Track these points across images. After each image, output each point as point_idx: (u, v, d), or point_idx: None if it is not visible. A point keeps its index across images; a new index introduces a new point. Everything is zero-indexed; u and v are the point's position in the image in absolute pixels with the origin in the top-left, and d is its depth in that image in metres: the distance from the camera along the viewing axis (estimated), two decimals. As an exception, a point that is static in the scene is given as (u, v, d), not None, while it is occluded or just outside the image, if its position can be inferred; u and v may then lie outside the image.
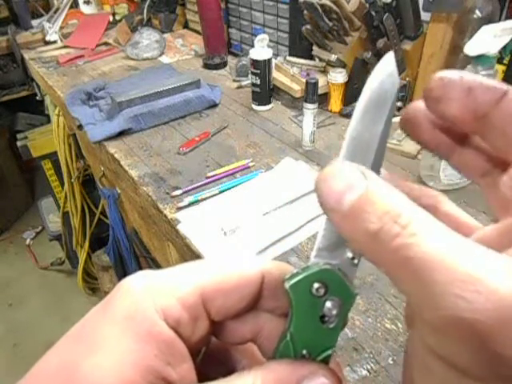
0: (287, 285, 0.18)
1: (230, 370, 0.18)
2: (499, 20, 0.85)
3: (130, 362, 0.16)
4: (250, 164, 0.86)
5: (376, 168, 0.18)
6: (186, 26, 1.73)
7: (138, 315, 0.17)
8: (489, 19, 0.83)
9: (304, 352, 0.19)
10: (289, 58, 1.10)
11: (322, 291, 0.18)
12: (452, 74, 0.17)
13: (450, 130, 0.19)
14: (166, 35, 1.61)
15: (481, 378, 0.13)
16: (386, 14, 0.87)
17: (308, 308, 0.18)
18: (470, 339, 0.13)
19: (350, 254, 0.19)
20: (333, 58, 1.01)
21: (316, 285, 0.18)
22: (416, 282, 0.14)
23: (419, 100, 0.19)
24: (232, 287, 0.19)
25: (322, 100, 1.02)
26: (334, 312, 0.18)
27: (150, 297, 0.18)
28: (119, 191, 1.15)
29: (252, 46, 1.05)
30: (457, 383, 0.14)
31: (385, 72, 0.18)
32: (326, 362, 0.19)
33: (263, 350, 0.21)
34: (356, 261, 0.19)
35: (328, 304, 0.18)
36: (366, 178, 0.15)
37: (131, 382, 0.16)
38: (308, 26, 1.00)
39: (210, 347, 0.22)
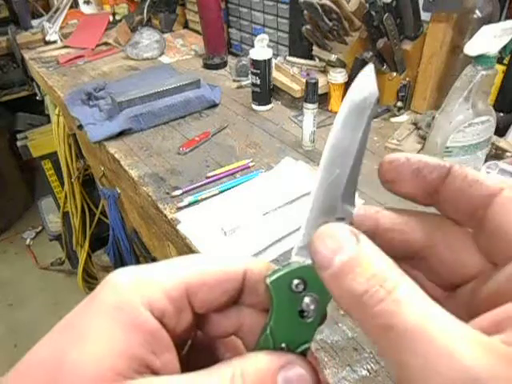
0: (268, 280, 0.19)
1: (215, 363, 0.19)
2: (499, 20, 0.85)
3: (116, 351, 0.17)
4: (250, 164, 0.86)
5: (355, 173, 0.20)
6: (186, 25, 1.73)
7: (124, 306, 0.18)
8: (489, 19, 0.83)
9: (283, 345, 0.19)
10: (289, 58, 1.10)
11: (301, 287, 0.19)
12: (400, 157, 0.19)
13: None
14: (166, 35, 1.61)
15: None
16: (386, 14, 0.87)
17: (287, 303, 0.19)
18: None
19: None
20: (333, 57, 1.01)
21: (295, 281, 0.19)
22: (396, 350, 0.14)
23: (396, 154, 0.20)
24: (215, 282, 0.20)
25: (322, 100, 1.02)
26: (312, 307, 0.19)
27: (137, 289, 0.18)
28: (119, 191, 1.15)
29: (252, 46, 1.05)
30: None
31: (364, 83, 0.19)
32: (303, 354, 0.20)
33: (245, 343, 0.22)
34: None
35: (306, 299, 0.19)
36: (359, 241, 0.16)
37: (117, 370, 0.16)
38: (308, 26, 1.00)
39: (196, 340, 0.23)
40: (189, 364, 0.19)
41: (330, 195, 0.20)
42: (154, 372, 0.18)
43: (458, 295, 0.19)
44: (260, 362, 0.18)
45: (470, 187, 0.18)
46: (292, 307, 0.19)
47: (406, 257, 0.20)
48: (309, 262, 0.19)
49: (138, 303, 0.18)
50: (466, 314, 0.17)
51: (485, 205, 0.18)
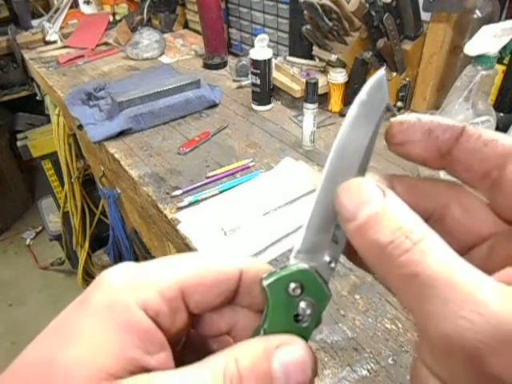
0: (265, 283, 0.19)
1: None
2: (499, 20, 0.85)
3: (108, 352, 0.17)
4: (250, 164, 0.86)
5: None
6: (186, 26, 1.73)
7: (117, 306, 0.17)
8: (489, 19, 0.83)
9: None
10: (289, 58, 1.10)
11: (297, 291, 0.19)
12: (410, 118, 0.19)
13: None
14: (166, 35, 1.61)
15: None
16: (386, 14, 0.87)
17: (283, 306, 0.19)
18: (469, 360, 0.13)
19: (327, 258, 0.20)
20: (333, 57, 1.01)
21: (292, 285, 0.19)
22: (420, 298, 0.14)
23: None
24: (211, 282, 0.20)
25: (322, 100, 1.02)
26: (308, 312, 0.19)
27: (130, 289, 0.18)
28: (119, 191, 1.15)
29: (252, 45, 1.05)
30: None
31: (375, 87, 0.19)
32: None
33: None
34: (333, 265, 0.20)
35: (302, 304, 0.19)
36: (386, 195, 0.16)
37: (109, 370, 0.16)
38: (308, 26, 1.00)
39: (190, 338, 0.23)
40: (183, 361, 0.18)
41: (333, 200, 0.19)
42: (149, 372, 0.17)
43: (473, 256, 0.19)
44: (253, 345, 0.18)
45: (485, 146, 0.18)
46: (287, 311, 0.19)
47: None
48: (307, 265, 0.19)
49: (131, 303, 0.18)
50: None
51: (500, 164, 0.17)
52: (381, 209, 0.16)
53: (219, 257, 0.21)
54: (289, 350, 0.18)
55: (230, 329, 0.21)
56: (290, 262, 0.20)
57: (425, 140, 0.18)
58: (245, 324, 0.21)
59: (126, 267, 0.19)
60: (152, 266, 0.20)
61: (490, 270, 0.16)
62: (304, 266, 0.19)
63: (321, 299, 0.19)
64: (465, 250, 0.20)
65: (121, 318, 0.17)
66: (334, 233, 0.20)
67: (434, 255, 0.14)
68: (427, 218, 0.20)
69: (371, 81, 0.19)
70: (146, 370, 0.17)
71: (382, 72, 0.19)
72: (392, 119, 0.19)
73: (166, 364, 0.18)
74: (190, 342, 0.23)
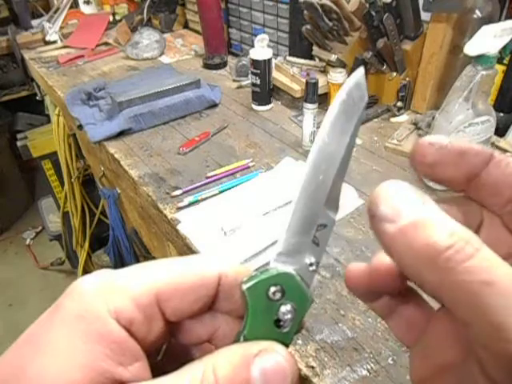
0: (244, 287, 0.18)
1: None
2: (499, 20, 0.85)
3: (78, 364, 0.16)
4: (250, 164, 0.86)
5: (340, 179, 0.19)
6: (186, 26, 1.73)
7: (88, 315, 0.17)
8: (489, 19, 0.83)
9: None
10: (289, 58, 1.10)
11: (278, 295, 0.18)
12: (442, 140, 0.18)
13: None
14: (166, 35, 1.61)
15: None
16: (386, 14, 0.87)
17: (263, 311, 0.19)
18: None
19: (308, 260, 0.19)
20: (333, 57, 1.01)
21: (273, 288, 0.18)
22: (490, 309, 0.13)
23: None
24: (188, 288, 0.19)
25: (322, 100, 1.02)
26: (289, 316, 0.19)
27: (102, 297, 0.17)
28: (119, 191, 1.15)
29: (252, 46, 1.05)
30: None
31: (354, 86, 0.19)
32: None
33: None
34: (314, 267, 0.19)
35: (283, 308, 0.19)
36: (425, 202, 0.15)
37: (77, 383, 0.16)
38: (308, 26, 0.99)
39: (171, 346, 0.22)
40: (164, 371, 0.18)
41: (313, 201, 0.19)
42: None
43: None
44: (232, 353, 0.17)
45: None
46: (268, 316, 0.19)
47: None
48: (288, 269, 0.19)
49: (102, 311, 0.17)
50: None
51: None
52: (427, 213, 0.15)
53: (197, 260, 0.20)
54: (268, 358, 0.17)
55: (211, 336, 0.21)
56: (270, 264, 0.19)
57: (457, 163, 0.18)
58: (226, 331, 0.21)
59: (101, 274, 0.19)
60: (126, 272, 0.19)
61: None
62: (284, 268, 0.19)
63: (302, 303, 0.19)
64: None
65: (91, 327, 0.17)
66: (315, 234, 0.19)
67: (500, 263, 0.13)
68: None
69: (350, 80, 0.19)
70: (118, 382, 0.17)
71: (361, 71, 0.19)
72: (421, 140, 0.18)
73: (141, 375, 0.17)
74: (170, 350, 0.22)
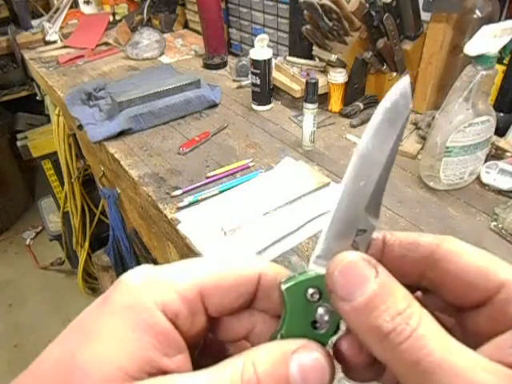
0: (283, 287, 0.19)
1: None
2: (499, 20, 0.85)
3: (127, 352, 0.16)
4: (250, 164, 0.86)
5: (381, 185, 0.19)
6: (186, 26, 1.73)
7: (136, 306, 0.17)
8: (489, 19, 0.83)
9: None
10: (289, 58, 1.10)
11: (316, 297, 0.19)
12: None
13: None
14: (166, 35, 1.61)
15: None
16: (386, 14, 0.87)
17: (301, 312, 0.19)
18: None
19: None
20: (333, 57, 1.01)
21: (311, 290, 0.19)
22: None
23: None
24: (230, 285, 0.19)
25: (322, 100, 1.02)
26: (326, 318, 0.19)
27: (150, 290, 0.18)
28: (119, 191, 1.15)
29: (252, 46, 1.05)
30: None
31: (399, 94, 0.19)
32: None
33: None
34: None
35: (320, 310, 0.19)
36: (378, 273, 0.17)
37: (126, 371, 0.16)
38: (308, 26, 0.99)
39: (207, 343, 0.22)
40: (199, 366, 0.18)
41: (354, 206, 0.19)
42: (167, 374, 0.17)
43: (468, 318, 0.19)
44: (271, 349, 0.18)
45: (409, 251, 0.19)
46: (305, 316, 0.19)
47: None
48: (326, 271, 0.19)
49: (150, 304, 0.18)
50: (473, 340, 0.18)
51: (430, 265, 0.19)
52: (377, 291, 0.16)
53: (238, 260, 0.21)
54: (307, 355, 0.18)
55: (248, 333, 0.21)
56: (309, 267, 0.19)
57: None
58: (262, 329, 0.21)
59: (146, 269, 0.19)
60: (171, 268, 0.20)
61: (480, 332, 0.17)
62: (323, 271, 0.19)
63: None
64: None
65: (140, 318, 0.17)
66: (355, 239, 0.19)
67: (432, 341, 0.15)
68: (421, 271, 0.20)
69: (396, 88, 0.19)
70: (163, 371, 0.17)
71: (406, 79, 0.19)
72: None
73: (184, 367, 0.18)
74: (207, 346, 0.22)
